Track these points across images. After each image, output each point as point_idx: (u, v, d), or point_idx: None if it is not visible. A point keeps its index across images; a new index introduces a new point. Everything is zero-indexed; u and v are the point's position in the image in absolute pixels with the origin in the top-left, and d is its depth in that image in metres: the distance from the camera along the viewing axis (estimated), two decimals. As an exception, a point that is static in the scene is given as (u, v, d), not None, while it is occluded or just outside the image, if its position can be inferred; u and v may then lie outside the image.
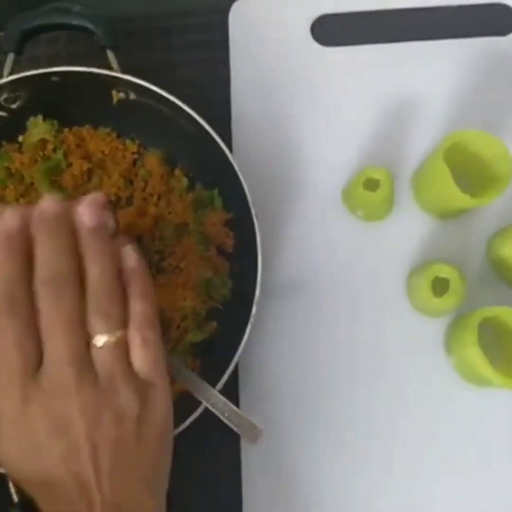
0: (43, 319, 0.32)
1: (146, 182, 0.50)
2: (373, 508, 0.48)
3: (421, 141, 0.52)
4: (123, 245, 0.36)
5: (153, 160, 0.50)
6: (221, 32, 0.53)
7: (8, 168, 0.49)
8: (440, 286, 0.46)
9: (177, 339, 0.48)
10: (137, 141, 0.51)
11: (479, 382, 0.48)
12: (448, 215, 0.50)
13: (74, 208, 0.34)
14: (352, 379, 0.49)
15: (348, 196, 0.50)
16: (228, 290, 0.49)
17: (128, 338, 0.34)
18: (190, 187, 0.50)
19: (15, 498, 0.43)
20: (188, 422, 0.43)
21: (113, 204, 0.50)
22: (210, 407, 0.41)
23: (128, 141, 0.50)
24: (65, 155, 0.49)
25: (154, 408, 0.34)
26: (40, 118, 0.49)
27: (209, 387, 0.42)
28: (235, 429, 0.41)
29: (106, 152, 0.50)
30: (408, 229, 0.51)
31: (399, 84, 0.53)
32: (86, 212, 0.34)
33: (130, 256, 0.35)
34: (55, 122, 0.49)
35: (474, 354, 0.44)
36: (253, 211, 0.45)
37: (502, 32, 0.54)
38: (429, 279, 0.45)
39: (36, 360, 0.32)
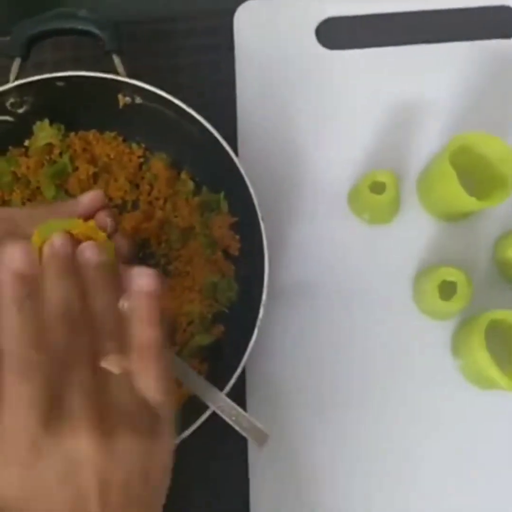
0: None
1: (152, 186, 0.50)
2: (380, 509, 0.48)
3: (427, 143, 0.52)
4: (120, 242, 0.37)
5: (159, 164, 0.50)
6: (226, 35, 0.53)
7: (14, 173, 0.49)
8: (447, 289, 0.46)
9: (184, 343, 0.48)
10: (143, 145, 0.51)
11: (486, 385, 0.48)
12: (454, 218, 0.50)
13: (80, 246, 0.35)
14: (359, 382, 0.49)
15: (354, 199, 0.50)
16: (235, 293, 0.49)
17: (135, 368, 0.33)
18: (196, 191, 0.50)
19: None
20: (195, 426, 0.43)
21: (119, 208, 0.50)
22: (217, 411, 0.41)
23: (134, 145, 0.51)
24: (71, 159, 0.50)
25: (162, 441, 0.33)
26: (46, 122, 0.49)
27: (217, 391, 0.42)
28: (243, 433, 0.41)
29: (112, 156, 0.50)
30: (414, 232, 0.51)
31: (404, 87, 0.53)
32: (90, 250, 0.34)
33: (139, 277, 0.34)
34: (62, 126, 0.50)
35: (481, 356, 0.44)
36: (259, 214, 0.45)
37: (507, 35, 0.54)
38: (436, 282, 0.45)
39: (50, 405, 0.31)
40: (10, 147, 0.50)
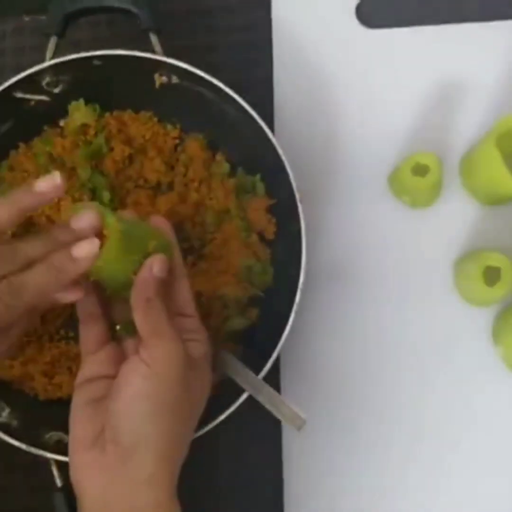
0: None
1: (187, 167, 0.49)
2: (416, 495, 0.47)
3: (471, 125, 0.50)
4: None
5: (194, 145, 0.49)
6: (264, 13, 0.53)
7: (50, 153, 0.49)
8: (489, 275, 0.44)
9: (218, 327, 0.47)
10: (178, 126, 0.50)
11: (527, 373, 0.47)
12: (498, 202, 0.49)
13: None
14: (397, 368, 0.48)
15: (394, 181, 0.49)
16: (270, 277, 0.48)
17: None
18: (232, 173, 0.49)
19: (58, 482, 0.44)
20: (231, 409, 0.42)
21: (154, 190, 0.49)
22: (254, 395, 0.41)
23: (169, 126, 0.50)
24: (107, 140, 0.49)
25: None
26: (81, 102, 0.49)
27: (254, 376, 0.41)
28: (280, 418, 0.40)
29: (147, 137, 0.49)
30: (456, 216, 0.49)
31: (446, 67, 0.52)
32: None
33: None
34: (97, 106, 0.49)
35: (524, 344, 0.43)
36: (297, 196, 0.44)
37: (556, 12, 0.52)
38: (481, 268, 0.44)
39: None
40: (45, 127, 0.50)
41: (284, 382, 0.49)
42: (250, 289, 0.48)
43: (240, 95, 0.45)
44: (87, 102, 0.49)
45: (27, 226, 0.48)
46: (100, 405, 0.37)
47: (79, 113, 0.49)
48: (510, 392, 0.48)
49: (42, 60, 0.46)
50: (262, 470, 0.48)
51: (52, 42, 0.47)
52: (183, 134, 0.50)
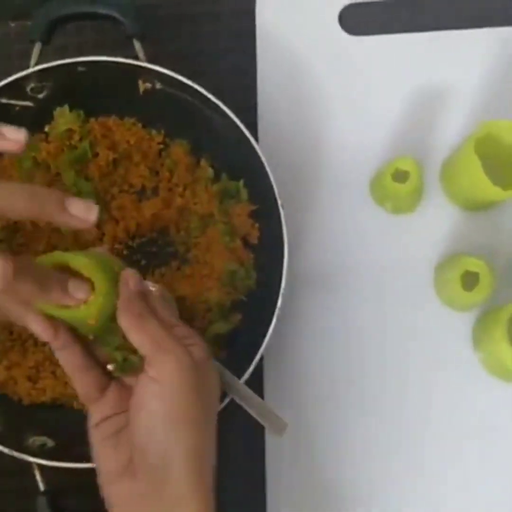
0: None
1: (171, 172, 0.50)
2: (399, 500, 0.48)
3: (451, 131, 0.51)
4: None
5: (178, 150, 0.50)
6: (248, 21, 0.53)
7: (34, 158, 0.49)
8: (469, 280, 0.45)
9: (202, 330, 0.47)
10: (162, 131, 0.50)
11: (506, 377, 0.47)
12: (477, 207, 0.50)
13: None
14: (376, 372, 0.49)
15: (376, 187, 0.50)
16: (253, 281, 0.48)
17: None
18: (216, 178, 0.50)
19: (41, 486, 0.44)
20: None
21: (138, 195, 0.50)
22: (236, 399, 0.41)
23: (153, 131, 0.50)
24: (91, 145, 0.49)
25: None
26: (66, 108, 0.49)
27: (236, 379, 0.42)
28: (261, 422, 0.41)
29: (132, 142, 0.50)
30: (436, 221, 0.50)
31: (428, 73, 0.52)
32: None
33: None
34: (82, 112, 0.49)
35: (503, 348, 0.44)
36: (279, 202, 0.45)
37: (535, 21, 0.53)
38: (459, 272, 0.44)
39: None
40: (30, 133, 0.50)
41: (267, 385, 0.49)
42: (233, 294, 0.48)
43: (224, 101, 0.46)
44: (71, 108, 0.49)
45: (12, 232, 0.48)
46: (121, 436, 0.36)
47: (64, 118, 0.49)
48: (490, 396, 0.48)
49: (27, 66, 0.47)
50: (245, 474, 0.49)
51: (37, 48, 0.47)
52: (167, 140, 0.50)
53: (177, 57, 0.52)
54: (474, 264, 0.45)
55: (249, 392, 0.41)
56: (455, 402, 0.48)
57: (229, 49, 0.54)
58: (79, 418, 0.45)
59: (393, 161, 0.46)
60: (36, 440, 0.45)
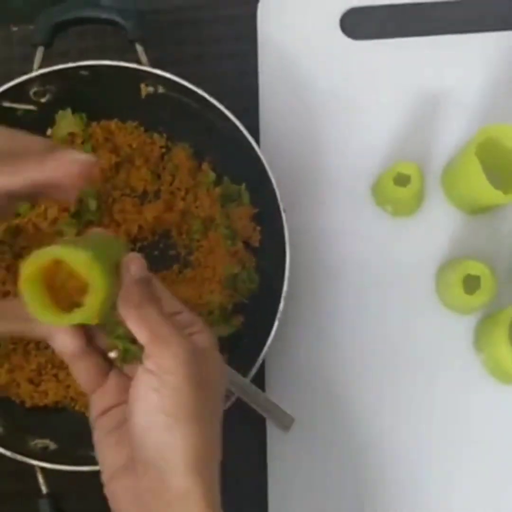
0: None
1: (173, 176, 0.50)
2: (400, 500, 0.48)
3: (452, 135, 0.51)
4: None
5: (180, 154, 0.50)
6: (250, 25, 0.53)
7: (37, 161, 0.49)
8: (470, 283, 0.45)
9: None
10: (164, 135, 0.51)
11: (508, 379, 0.47)
12: (479, 211, 0.50)
13: None
14: (379, 374, 0.49)
15: (377, 191, 0.50)
16: (255, 284, 0.49)
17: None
18: (218, 182, 0.50)
19: (44, 489, 0.44)
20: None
21: (140, 198, 0.50)
22: (242, 396, 0.41)
23: (156, 135, 0.50)
24: (93, 148, 0.49)
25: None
26: (68, 111, 0.49)
27: (240, 376, 0.42)
28: (269, 418, 0.40)
29: (134, 146, 0.50)
30: (438, 224, 0.50)
31: (430, 78, 0.52)
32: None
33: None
34: (84, 115, 0.50)
35: (504, 351, 0.44)
36: (281, 206, 0.45)
37: (535, 25, 0.53)
38: (461, 276, 0.45)
39: None
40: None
41: (269, 388, 0.49)
42: (235, 297, 0.49)
43: (226, 105, 0.46)
44: (74, 112, 0.49)
45: (14, 235, 0.49)
46: (123, 430, 0.35)
47: (66, 122, 0.49)
48: (492, 398, 0.48)
49: (30, 70, 0.47)
50: (247, 473, 0.49)
51: (40, 52, 0.47)
52: (169, 143, 0.51)
53: (179, 61, 0.52)
54: (476, 268, 0.45)
55: (253, 388, 0.41)
56: (457, 404, 0.48)
57: (230, 54, 0.54)
58: (82, 420, 0.46)
59: (394, 165, 0.47)
60: (38, 443, 0.45)
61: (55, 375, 0.48)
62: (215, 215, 0.49)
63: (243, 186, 0.49)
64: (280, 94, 0.52)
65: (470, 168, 0.45)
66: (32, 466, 0.44)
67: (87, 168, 0.34)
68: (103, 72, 0.47)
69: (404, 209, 0.50)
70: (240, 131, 0.46)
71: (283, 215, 0.45)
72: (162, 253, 0.50)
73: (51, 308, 0.32)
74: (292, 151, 0.51)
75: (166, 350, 0.33)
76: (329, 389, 0.49)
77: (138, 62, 0.47)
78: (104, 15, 0.47)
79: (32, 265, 0.32)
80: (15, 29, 0.55)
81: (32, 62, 0.47)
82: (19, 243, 0.49)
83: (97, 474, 0.36)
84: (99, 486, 0.36)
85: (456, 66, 0.52)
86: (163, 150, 0.50)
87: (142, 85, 0.48)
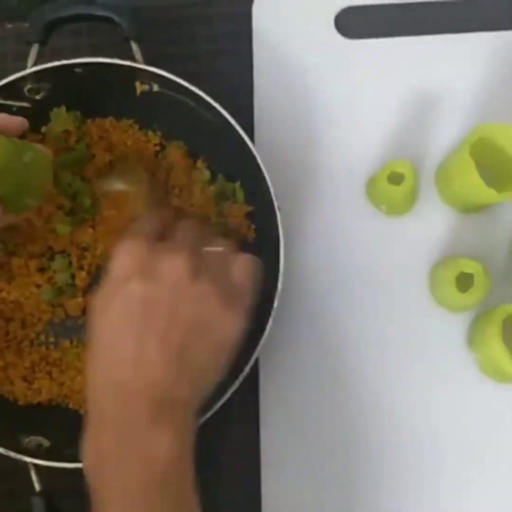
0: None
1: (168, 174, 0.50)
2: (397, 501, 0.48)
3: (446, 134, 0.51)
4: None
5: (175, 152, 0.50)
6: (245, 23, 0.53)
7: (31, 159, 0.49)
8: (464, 281, 0.45)
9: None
10: (159, 133, 0.51)
11: (501, 378, 0.48)
12: (472, 210, 0.50)
13: None
14: (373, 372, 0.49)
15: (372, 189, 0.50)
16: (249, 282, 0.49)
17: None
18: (212, 180, 0.50)
19: (37, 487, 0.44)
20: (210, 412, 0.43)
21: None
22: None
23: (150, 133, 0.50)
24: (88, 146, 0.49)
25: (234, 317, 0.38)
26: (63, 109, 0.49)
27: None
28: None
29: (129, 144, 0.50)
30: (431, 223, 0.50)
31: (424, 77, 0.52)
32: None
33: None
34: (78, 113, 0.49)
35: (498, 349, 0.44)
36: (275, 204, 0.45)
37: (529, 25, 0.53)
38: (454, 274, 0.45)
39: None
40: (27, 134, 0.50)
41: (263, 386, 0.49)
42: (229, 295, 0.49)
43: (221, 103, 0.46)
44: (68, 109, 0.49)
45: (8, 232, 0.48)
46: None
47: (61, 119, 0.49)
48: (484, 397, 0.48)
49: (24, 67, 0.47)
50: (240, 474, 0.49)
51: (34, 49, 0.47)
52: (164, 141, 0.51)
53: (174, 59, 0.52)
54: (469, 266, 0.45)
55: None
56: (450, 402, 0.48)
57: (225, 52, 0.54)
58: (75, 418, 0.46)
59: (388, 164, 0.47)
60: (31, 440, 0.45)
61: (49, 373, 0.48)
62: (210, 213, 0.49)
63: (238, 184, 0.49)
64: (275, 93, 0.52)
65: (464, 167, 0.45)
66: (25, 464, 0.44)
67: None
68: (97, 70, 0.47)
69: (398, 207, 0.50)
70: (235, 129, 0.46)
71: (278, 213, 0.45)
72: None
73: None
74: (287, 149, 0.51)
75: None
76: (322, 387, 0.49)
77: (133, 59, 0.47)
78: (99, 13, 0.47)
79: None
80: (9, 26, 0.55)
81: (26, 60, 0.47)
82: (13, 240, 0.49)
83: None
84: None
85: (450, 65, 0.52)
86: (158, 148, 0.50)
87: (137, 83, 0.48)
